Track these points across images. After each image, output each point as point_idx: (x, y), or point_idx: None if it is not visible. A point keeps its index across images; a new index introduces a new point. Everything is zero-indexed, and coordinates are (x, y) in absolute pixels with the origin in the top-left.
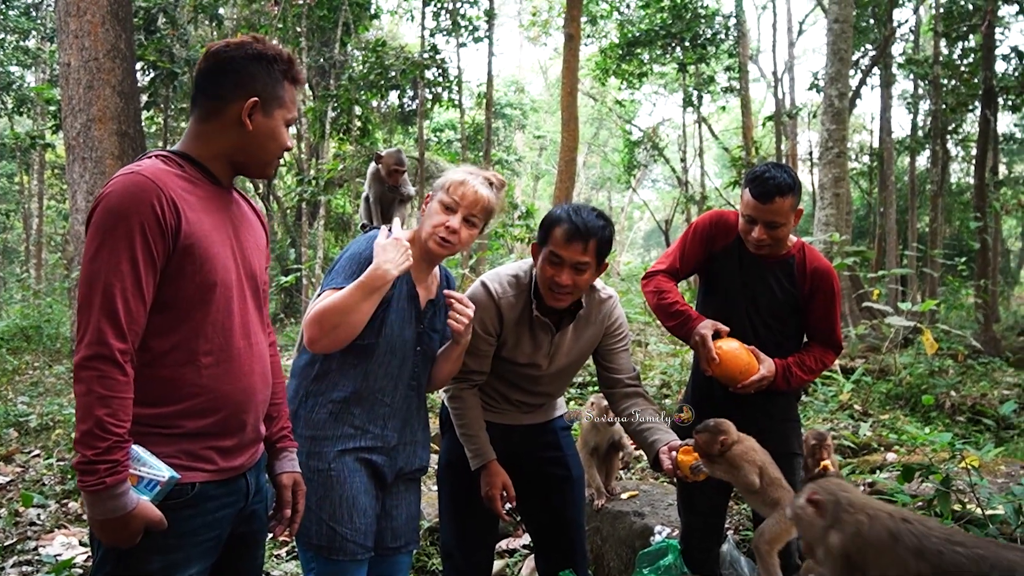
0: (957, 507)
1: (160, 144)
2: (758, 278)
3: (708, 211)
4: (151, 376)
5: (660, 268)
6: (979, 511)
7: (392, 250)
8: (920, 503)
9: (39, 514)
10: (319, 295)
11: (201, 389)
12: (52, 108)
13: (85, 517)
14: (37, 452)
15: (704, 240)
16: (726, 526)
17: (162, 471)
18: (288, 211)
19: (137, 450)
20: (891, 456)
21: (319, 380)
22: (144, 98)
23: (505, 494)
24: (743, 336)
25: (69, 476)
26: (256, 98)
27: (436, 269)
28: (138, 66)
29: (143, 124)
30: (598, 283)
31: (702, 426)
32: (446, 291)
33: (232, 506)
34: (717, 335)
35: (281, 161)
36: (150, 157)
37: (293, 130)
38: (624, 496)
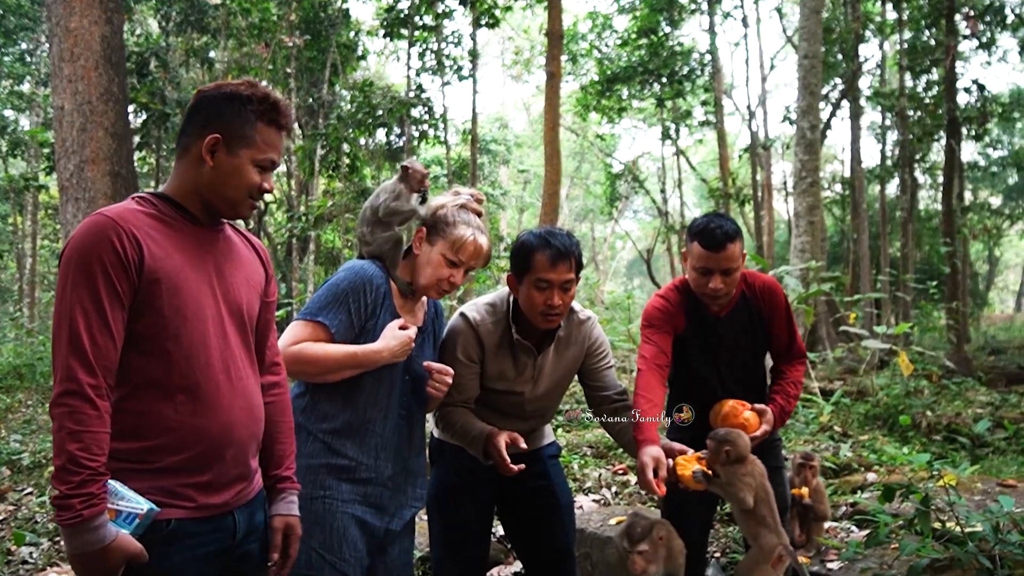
0: (937, 525)
1: (152, 184)
2: (726, 339)
3: (648, 302)
4: (125, 410)
5: (643, 358)
6: (958, 529)
7: (397, 343)
8: (901, 522)
9: (32, 552)
10: (295, 322)
11: (175, 424)
12: (46, 150)
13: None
14: (30, 490)
15: (665, 325)
16: (711, 550)
17: (140, 504)
18: (279, 247)
19: (114, 484)
20: (871, 476)
21: (308, 413)
22: (136, 139)
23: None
24: (717, 396)
25: None
26: (217, 135)
27: (423, 297)
28: (130, 108)
29: (136, 165)
30: (576, 305)
31: (713, 433)
32: (426, 363)
33: (214, 544)
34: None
35: (270, 199)
36: (127, 200)
37: (283, 168)
38: (613, 522)
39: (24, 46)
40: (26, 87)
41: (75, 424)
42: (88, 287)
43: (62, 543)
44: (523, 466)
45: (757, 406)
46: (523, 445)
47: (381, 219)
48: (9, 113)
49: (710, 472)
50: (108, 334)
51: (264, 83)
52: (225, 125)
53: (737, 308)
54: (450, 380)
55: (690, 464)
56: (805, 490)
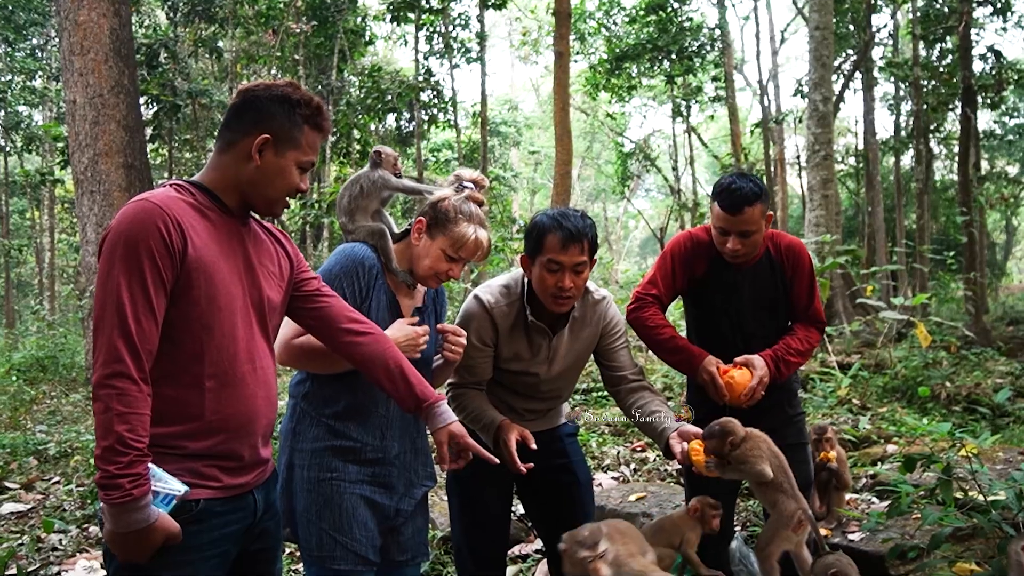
0: (959, 494)
1: (165, 175)
2: (744, 291)
3: (679, 234)
4: (155, 395)
5: (650, 292)
6: (981, 497)
7: (403, 336)
8: (923, 492)
9: (60, 539)
10: None
11: (203, 411)
12: (60, 145)
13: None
14: (57, 479)
15: (684, 265)
16: (734, 523)
17: (178, 487)
18: (292, 234)
19: (152, 467)
20: (891, 448)
21: (310, 398)
22: (148, 131)
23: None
24: (734, 349)
25: (89, 501)
26: (268, 135)
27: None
28: (142, 100)
29: (148, 156)
30: (591, 285)
31: (707, 431)
32: (440, 325)
33: (239, 523)
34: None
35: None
36: (165, 187)
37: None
38: (633, 498)
39: (35, 41)
40: (38, 82)
41: (123, 406)
42: (136, 271)
43: (90, 530)
44: (531, 465)
45: (739, 358)
46: (533, 446)
47: (381, 196)
48: (23, 109)
49: (721, 460)
50: (152, 318)
51: (303, 86)
52: (276, 126)
53: (760, 264)
54: (464, 341)
55: (701, 456)
56: (833, 453)
